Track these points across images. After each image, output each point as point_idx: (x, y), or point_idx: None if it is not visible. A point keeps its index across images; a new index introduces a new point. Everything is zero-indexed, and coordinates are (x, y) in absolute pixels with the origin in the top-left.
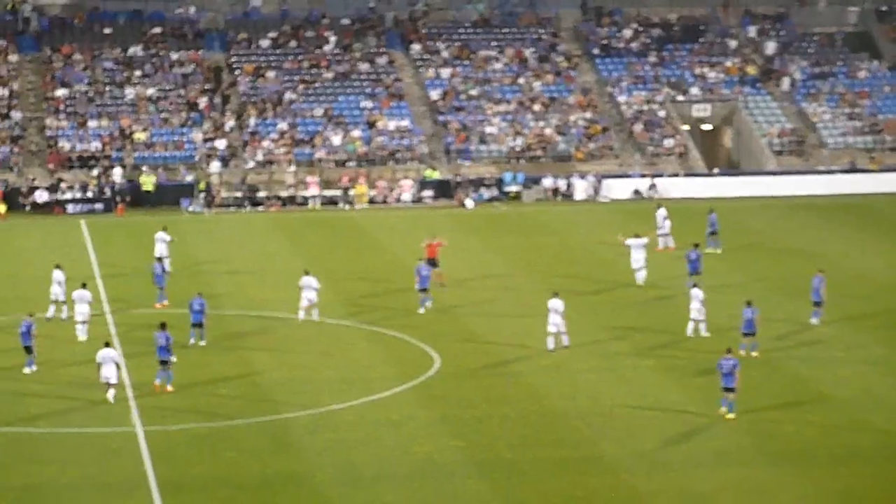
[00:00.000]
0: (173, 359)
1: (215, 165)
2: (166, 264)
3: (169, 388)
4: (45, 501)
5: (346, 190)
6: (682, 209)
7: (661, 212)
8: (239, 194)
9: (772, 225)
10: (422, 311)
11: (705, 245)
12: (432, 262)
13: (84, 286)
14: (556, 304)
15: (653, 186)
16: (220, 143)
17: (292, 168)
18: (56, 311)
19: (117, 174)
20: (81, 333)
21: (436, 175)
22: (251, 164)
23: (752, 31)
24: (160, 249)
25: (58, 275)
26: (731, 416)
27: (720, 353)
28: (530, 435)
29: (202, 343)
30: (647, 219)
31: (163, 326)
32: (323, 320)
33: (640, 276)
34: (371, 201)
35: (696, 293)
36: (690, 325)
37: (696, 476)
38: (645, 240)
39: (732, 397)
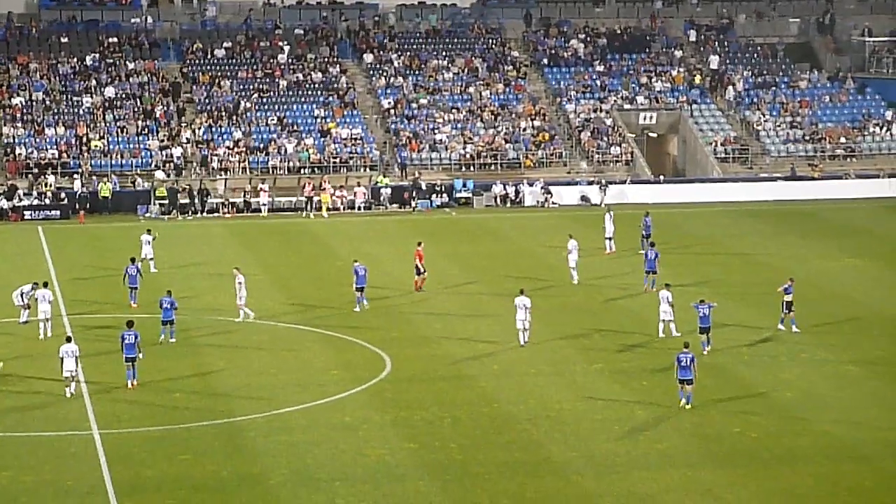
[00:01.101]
0: (141, 356)
1: (159, 174)
2: (151, 265)
3: (134, 383)
4: None
5: (309, 198)
6: (628, 215)
7: (608, 216)
8: (187, 201)
9: (716, 230)
10: (357, 309)
11: (640, 247)
12: (418, 268)
13: (45, 285)
14: (522, 300)
15: (603, 187)
16: (176, 151)
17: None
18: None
19: (76, 182)
20: (42, 332)
21: (385, 181)
22: (206, 172)
23: (692, 35)
24: (146, 251)
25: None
26: (688, 406)
27: (669, 353)
28: (481, 437)
29: (172, 340)
30: (594, 224)
31: (129, 325)
32: (277, 324)
33: (575, 275)
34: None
35: (665, 294)
36: (661, 326)
37: (643, 477)
38: (577, 242)
39: (689, 389)
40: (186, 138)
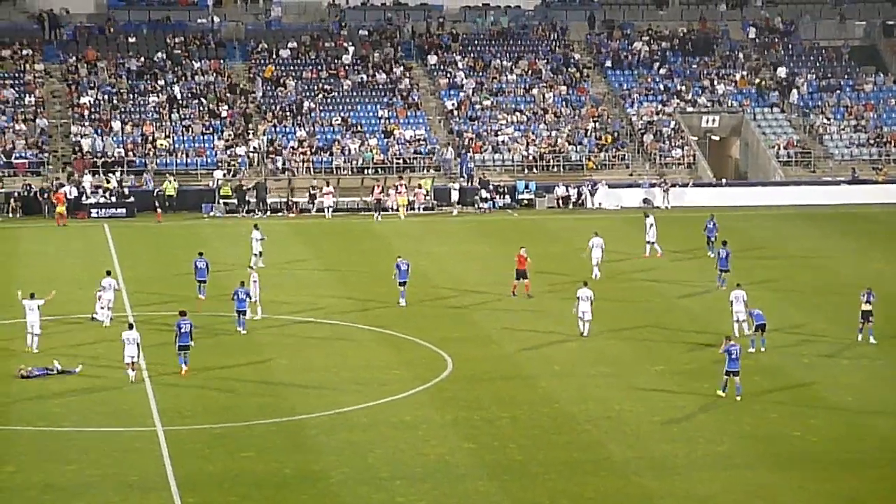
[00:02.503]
0: (192, 343)
1: (218, 173)
2: (259, 261)
3: (184, 370)
4: (66, 500)
5: (378, 201)
6: (690, 218)
7: (649, 220)
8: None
9: (777, 234)
10: (402, 303)
11: (706, 250)
12: (522, 273)
13: (109, 274)
14: (585, 292)
15: (665, 190)
16: (240, 151)
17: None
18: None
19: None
20: (106, 319)
21: (427, 184)
22: (271, 171)
23: (756, 37)
24: (256, 247)
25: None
26: (739, 398)
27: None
28: (540, 437)
29: (243, 331)
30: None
31: (182, 314)
32: (339, 322)
33: (596, 272)
34: (384, 209)
35: (739, 294)
36: (735, 327)
37: (701, 478)
38: (601, 238)
39: (738, 380)
40: (250, 138)
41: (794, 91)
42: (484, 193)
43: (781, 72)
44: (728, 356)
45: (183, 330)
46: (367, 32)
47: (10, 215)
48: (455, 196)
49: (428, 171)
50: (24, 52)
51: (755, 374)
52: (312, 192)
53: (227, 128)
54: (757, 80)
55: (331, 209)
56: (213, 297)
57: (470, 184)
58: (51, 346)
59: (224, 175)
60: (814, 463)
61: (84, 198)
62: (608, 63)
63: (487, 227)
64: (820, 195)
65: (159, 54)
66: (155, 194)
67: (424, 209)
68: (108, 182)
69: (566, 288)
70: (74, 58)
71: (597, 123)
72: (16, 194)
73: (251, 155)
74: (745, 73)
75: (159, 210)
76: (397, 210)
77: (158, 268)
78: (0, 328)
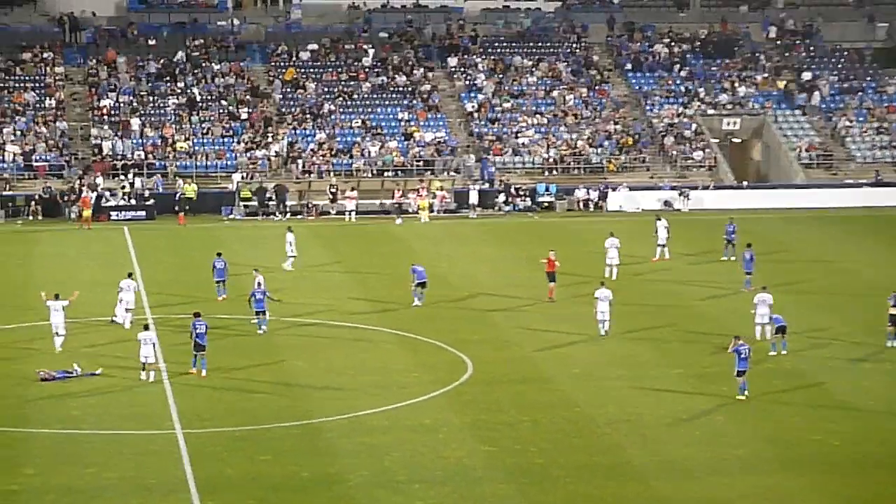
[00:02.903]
0: (206, 345)
1: (237, 176)
2: (289, 264)
3: (203, 373)
4: (84, 502)
5: (399, 204)
6: (709, 221)
7: (661, 223)
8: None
9: (799, 236)
10: (417, 303)
11: (723, 253)
12: (551, 276)
13: (130, 276)
14: (604, 293)
15: (683, 193)
16: (260, 153)
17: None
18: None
19: (179, 183)
20: (126, 321)
21: (438, 185)
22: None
23: (777, 39)
24: (289, 250)
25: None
26: (745, 396)
27: (752, 365)
28: (560, 441)
29: (262, 330)
30: (675, 228)
31: (197, 315)
32: (357, 325)
33: (614, 272)
34: (404, 211)
35: (764, 297)
36: (758, 330)
37: (721, 483)
38: (618, 239)
39: (744, 379)
40: (270, 141)
41: (816, 93)
42: (503, 196)
43: (804, 74)
44: (737, 356)
45: (198, 331)
46: (387, 35)
47: (31, 218)
48: (474, 199)
49: (447, 173)
50: (45, 54)
51: (775, 377)
52: (332, 190)
53: (246, 130)
54: (778, 83)
55: (353, 213)
56: (230, 298)
57: (490, 186)
58: (71, 349)
59: (243, 177)
60: (834, 467)
61: (103, 200)
62: (629, 65)
63: (507, 229)
64: (842, 198)
65: (179, 56)
66: (177, 198)
67: (445, 212)
68: (122, 187)
69: (586, 290)
70: (95, 60)
71: (617, 126)
72: (36, 197)
73: (271, 158)
74: (766, 75)
75: (181, 214)
76: (418, 213)
77: (177, 270)
78: (20, 331)
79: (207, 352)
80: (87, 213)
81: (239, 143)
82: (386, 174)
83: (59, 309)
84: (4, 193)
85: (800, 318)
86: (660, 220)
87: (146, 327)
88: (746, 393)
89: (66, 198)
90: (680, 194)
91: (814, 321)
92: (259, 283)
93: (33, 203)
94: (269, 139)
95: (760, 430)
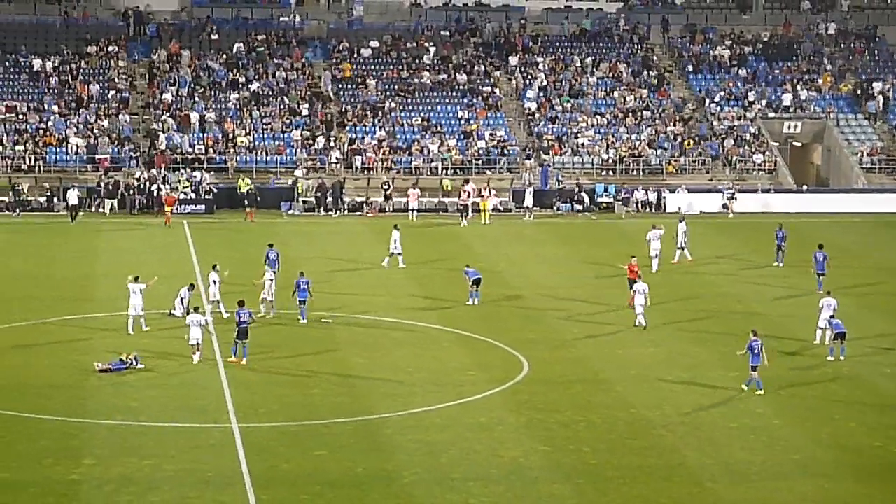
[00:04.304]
0: (247, 338)
1: (299, 172)
2: (400, 260)
3: (244, 361)
4: (142, 494)
5: (465, 206)
6: (770, 224)
7: (682, 226)
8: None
9: (859, 241)
10: (469, 302)
11: (774, 259)
12: (632, 283)
13: (214, 267)
14: (641, 286)
15: (732, 197)
16: (319, 146)
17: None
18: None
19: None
20: (208, 313)
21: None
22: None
23: (840, 43)
24: (394, 248)
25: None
26: (761, 392)
27: (806, 362)
28: (616, 441)
29: (303, 321)
30: (735, 231)
31: (241, 304)
32: (416, 323)
33: (655, 264)
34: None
35: (829, 302)
36: (818, 333)
37: (778, 487)
38: (661, 230)
39: (757, 375)
40: (331, 137)
41: (879, 97)
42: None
43: (866, 78)
44: (751, 352)
45: (242, 319)
46: (448, 33)
47: (93, 210)
48: (529, 200)
49: (506, 172)
50: (110, 48)
51: (833, 382)
52: (385, 187)
53: (306, 127)
54: (841, 86)
55: (415, 212)
56: (285, 291)
57: (550, 187)
58: (129, 342)
59: (304, 173)
60: (894, 474)
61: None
62: (690, 67)
63: (565, 230)
64: None
65: (241, 51)
66: (246, 193)
67: (502, 211)
68: (187, 180)
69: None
70: (157, 55)
71: (677, 127)
72: (101, 189)
73: (330, 153)
74: (828, 78)
75: (250, 210)
76: (479, 212)
77: (235, 264)
78: (79, 322)
79: (250, 340)
80: (169, 210)
81: (299, 138)
82: (446, 172)
83: (138, 291)
84: (66, 186)
85: (861, 323)
86: (681, 221)
87: (196, 309)
88: (761, 390)
89: (131, 191)
90: (726, 195)
91: (875, 327)
92: (269, 281)
93: (98, 195)
94: (332, 143)
95: (818, 435)
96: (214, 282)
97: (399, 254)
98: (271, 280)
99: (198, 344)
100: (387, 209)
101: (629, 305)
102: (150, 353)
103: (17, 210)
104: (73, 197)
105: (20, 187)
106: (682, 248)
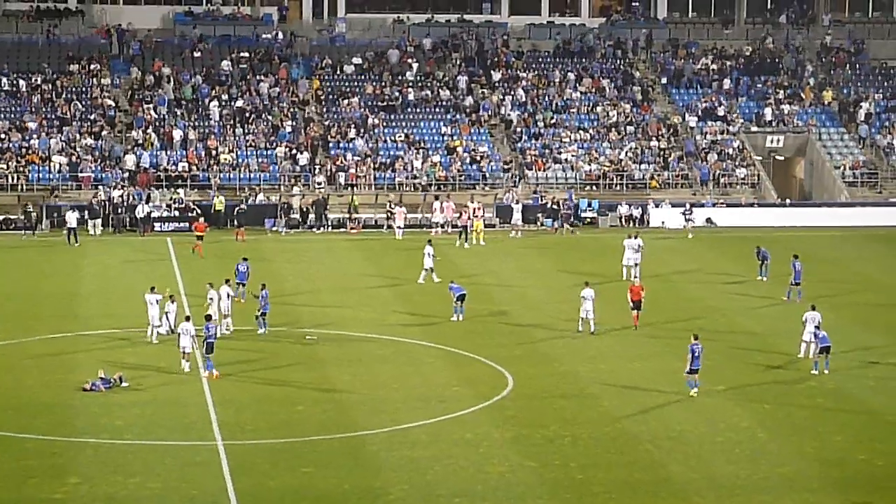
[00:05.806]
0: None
1: (296, 189)
2: (434, 276)
3: (216, 373)
4: None
5: (464, 227)
6: (753, 238)
7: (634, 242)
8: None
9: (842, 255)
10: (454, 318)
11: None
12: (637, 305)
13: (227, 282)
14: (588, 292)
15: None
16: (302, 162)
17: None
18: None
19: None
20: (224, 328)
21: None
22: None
23: (822, 57)
24: (427, 262)
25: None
26: (694, 392)
27: (793, 376)
28: (602, 457)
29: (262, 331)
30: (718, 246)
31: (208, 318)
32: (400, 339)
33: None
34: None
35: (813, 316)
36: (802, 347)
37: (763, 501)
38: (639, 241)
39: (696, 378)
40: (313, 153)
41: (861, 111)
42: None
43: (847, 92)
44: (691, 354)
45: (210, 333)
46: (431, 49)
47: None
48: (517, 215)
49: (490, 188)
50: (92, 66)
51: (818, 396)
52: (391, 210)
53: (290, 143)
54: (823, 100)
55: (401, 229)
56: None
57: (534, 202)
58: (113, 359)
59: (291, 190)
60: (878, 487)
61: (143, 211)
62: (672, 81)
63: (550, 245)
64: (887, 216)
65: (224, 68)
66: (235, 211)
67: (486, 227)
68: (171, 198)
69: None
70: (140, 72)
71: (660, 142)
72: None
73: (314, 170)
74: (810, 92)
75: (241, 228)
76: (471, 233)
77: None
78: (65, 340)
79: (215, 355)
80: (199, 236)
81: (282, 155)
82: (429, 188)
83: (154, 302)
84: (50, 204)
85: (844, 336)
86: (632, 238)
87: (187, 318)
88: (696, 391)
89: (118, 210)
90: (682, 212)
91: (858, 340)
92: (228, 295)
93: (85, 213)
94: (318, 167)
95: (803, 449)
96: (228, 295)
97: (430, 269)
98: (230, 294)
99: (184, 352)
100: (383, 228)
101: (634, 327)
102: (137, 368)
103: (33, 231)
104: (72, 219)
105: (30, 209)
106: (633, 266)
